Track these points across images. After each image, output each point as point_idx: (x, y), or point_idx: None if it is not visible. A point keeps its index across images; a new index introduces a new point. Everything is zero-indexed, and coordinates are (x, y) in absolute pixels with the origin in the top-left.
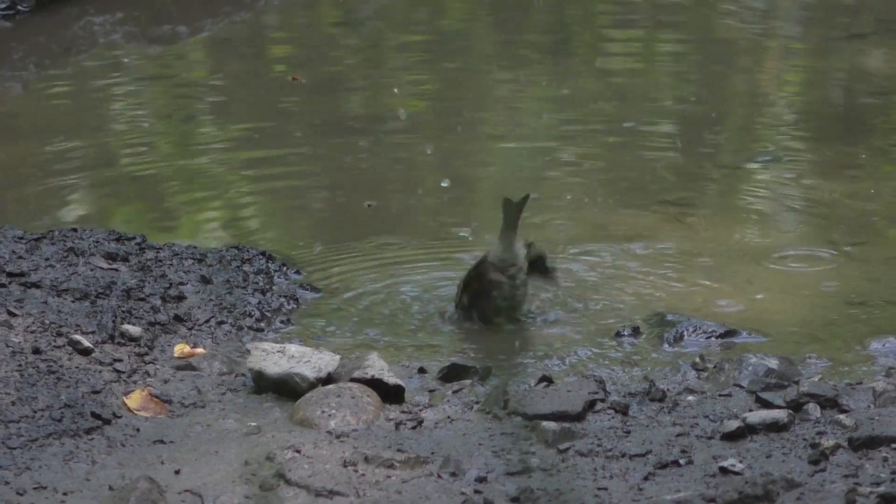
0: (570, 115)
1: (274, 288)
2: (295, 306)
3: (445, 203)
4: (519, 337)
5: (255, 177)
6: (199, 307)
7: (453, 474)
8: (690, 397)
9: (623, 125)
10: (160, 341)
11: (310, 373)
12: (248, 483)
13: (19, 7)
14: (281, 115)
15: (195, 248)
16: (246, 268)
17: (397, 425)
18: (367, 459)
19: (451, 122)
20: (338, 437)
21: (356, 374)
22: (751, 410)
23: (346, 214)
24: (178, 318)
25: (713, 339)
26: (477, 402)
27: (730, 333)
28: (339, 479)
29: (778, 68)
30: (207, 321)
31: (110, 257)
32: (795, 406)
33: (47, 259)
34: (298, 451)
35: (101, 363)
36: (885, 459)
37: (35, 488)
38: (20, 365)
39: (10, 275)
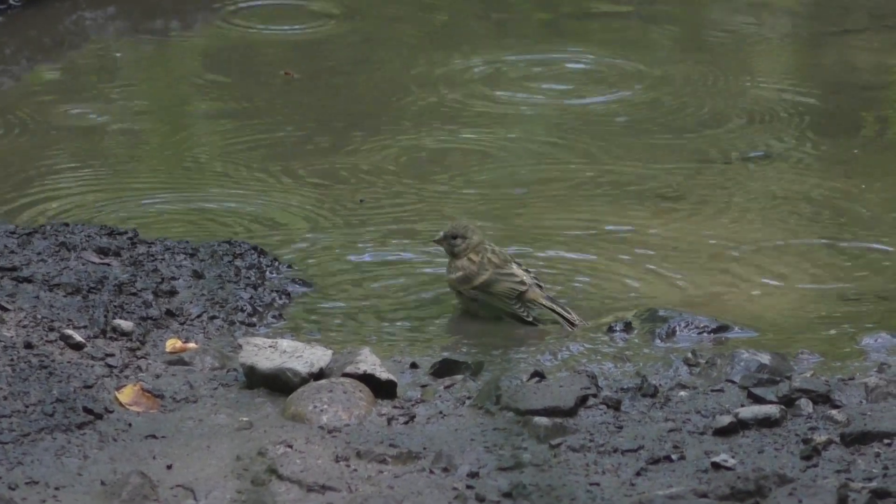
0: (561, 110)
1: (266, 283)
2: (287, 301)
3: (438, 198)
4: (511, 332)
5: (247, 171)
6: (191, 302)
7: (445, 469)
8: (682, 393)
9: (616, 119)
10: (152, 336)
11: (302, 368)
12: (240, 478)
13: (11, 1)
14: (273, 110)
15: (187, 242)
16: (238, 262)
17: (389, 420)
18: (359, 454)
19: (445, 116)
20: (330, 432)
21: (348, 369)
22: (743, 406)
23: (339, 209)
24: (170, 313)
25: (705, 334)
26: (469, 398)
27: (722, 329)
28: (331, 474)
29: (771, 63)
30: (199, 316)
31: (102, 252)
32: (787, 401)
33: (39, 253)
34: (290, 446)
35: (92, 358)
36: (878, 455)
37: (27, 483)
38: (12, 360)
39: (1, 269)
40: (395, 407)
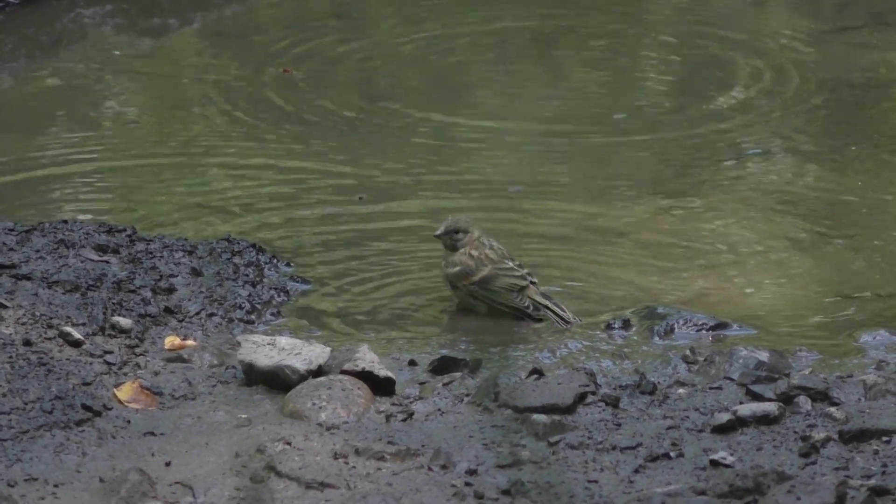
0: (560, 108)
1: (264, 280)
2: (285, 298)
3: (437, 196)
4: (509, 329)
5: (245, 169)
6: (190, 299)
7: (444, 467)
8: (681, 390)
9: (613, 117)
10: (151, 333)
11: (300, 365)
12: (239, 475)
13: None
14: (271, 108)
15: (185, 239)
16: (236, 260)
17: (388, 418)
18: (357, 452)
19: (442, 113)
20: (328, 429)
21: (347, 366)
22: (741, 403)
23: (337, 207)
24: (168, 311)
25: (704, 331)
26: (467, 395)
27: (720, 326)
28: (330, 472)
29: (769, 61)
30: (198, 313)
31: (101, 249)
32: (786, 399)
33: (38, 251)
34: (289, 444)
35: (91, 355)
36: (876, 452)
37: (26, 480)
38: (11, 357)
39: (0, 266)
40: (393, 404)
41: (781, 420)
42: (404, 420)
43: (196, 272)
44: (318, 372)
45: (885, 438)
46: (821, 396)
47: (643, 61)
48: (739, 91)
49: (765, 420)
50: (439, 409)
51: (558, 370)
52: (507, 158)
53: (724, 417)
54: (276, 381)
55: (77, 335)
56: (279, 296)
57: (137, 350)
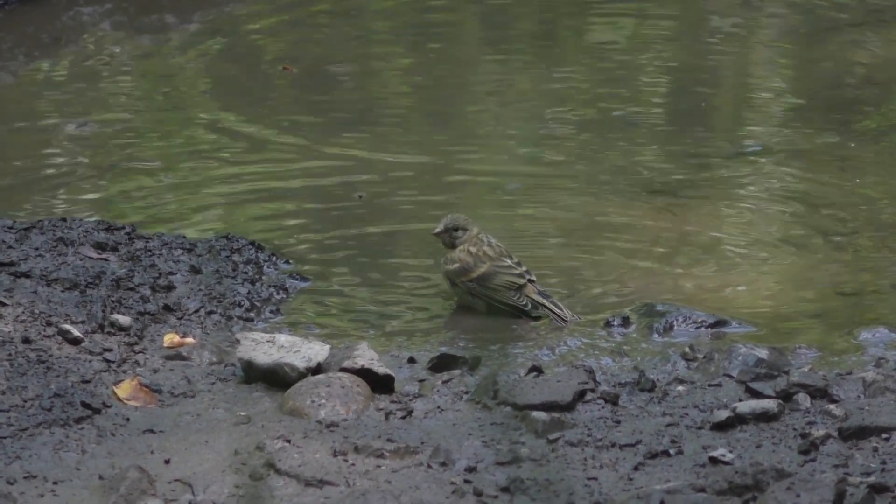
0: (558, 105)
1: (263, 278)
2: (284, 296)
3: (435, 193)
4: (508, 327)
5: (244, 166)
6: (189, 297)
7: (443, 464)
8: (680, 387)
9: (612, 115)
10: (150, 331)
11: (299, 363)
12: (238, 472)
13: None
14: (271, 105)
15: (184, 237)
16: (235, 257)
17: (387, 415)
18: (356, 449)
19: (441, 111)
20: (328, 426)
21: (346, 363)
22: (741, 400)
23: (336, 204)
24: (167, 308)
25: (703, 328)
26: (466, 392)
27: (719, 323)
28: (329, 469)
29: (767, 58)
30: (197, 311)
31: (100, 247)
32: (785, 396)
33: (37, 249)
34: (288, 441)
35: (90, 353)
36: (875, 449)
37: (25, 477)
38: (10, 354)
39: None
40: (392, 402)
41: (781, 417)
42: (403, 417)
43: (195, 270)
44: (318, 369)
45: (884, 435)
46: (820, 394)
47: (641, 58)
48: (738, 88)
49: (764, 417)
50: (438, 407)
51: (557, 367)
52: (505, 155)
53: (724, 415)
54: (276, 379)
55: (76, 333)
56: (278, 293)
57: (136, 348)
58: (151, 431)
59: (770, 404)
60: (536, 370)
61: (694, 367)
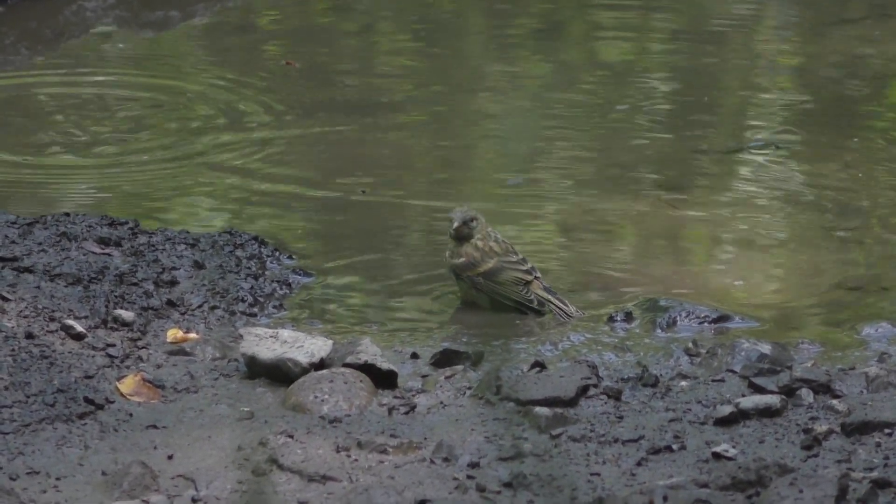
0: (562, 100)
1: (267, 273)
2: (287, 291)
3: (438, 187)
4: (511, 322)
5: (247, 161)
6: (192, 292)
7: (446, 459)
8: (683, 382)
9: (616, 109)
10: (153, 326)
11: (303, 358)
12: (241, 468)
13: None
14: (274, 99)
15: (188, 232)
16: (238, 253)
17: (390, 410)
18: (359, 445)
19: (444, 106)
20: (331, 422)
21: (349, 359)
22: (744, 396)
23: (339, 199)
24: (170, 303)
25: (706, 324)
26: (469, 388)
27: (723, 318)
28: (332, 465)
29: (770, 53)
30: (200, 306)
31: (103, 242)
32: (788, 391)
33: (40, 244)
34: (291, 437)
35: (93, 348)
36: (878, 445)
37: (28, 473)
38: (13, 350)
39: (2, 259)
40: (395, 397)
41: (784, 412)
42: (406, 413)
43: (198, 265)
44: (321, 365)
45: (887, 431)
46: (823, 389)
47: (646, 53)
48: (740, 83)
49: (767, 412)
50: (441, 402)
51: (560, 363)
52: (507, 150)
53: (727, 410)
54: (279, 374)
55: (79, 328)
56: (281, 288)
57: (140, 343)
58: (154, 427)
59: (773, 399)
60: (539, 366)
61: (697, 362)
